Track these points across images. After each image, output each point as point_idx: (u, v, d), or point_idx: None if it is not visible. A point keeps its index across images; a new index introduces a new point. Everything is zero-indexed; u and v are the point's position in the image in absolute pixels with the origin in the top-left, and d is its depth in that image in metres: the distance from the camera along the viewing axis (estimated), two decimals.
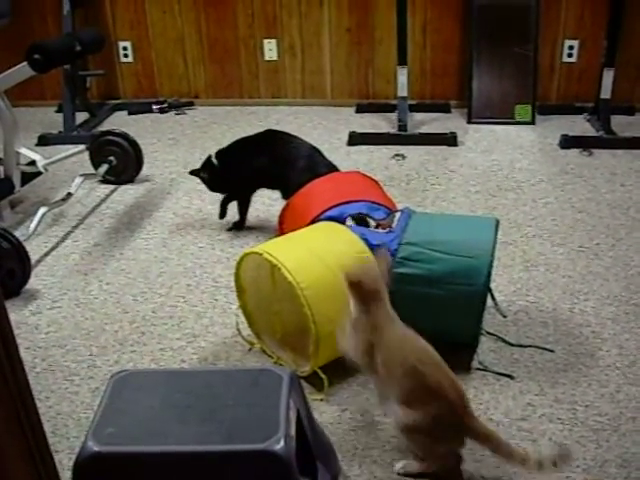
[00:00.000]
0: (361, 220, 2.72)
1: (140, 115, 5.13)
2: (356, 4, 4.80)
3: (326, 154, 3.22)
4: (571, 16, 4.64)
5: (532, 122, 4.57)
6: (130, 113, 5.15)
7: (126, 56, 5.23)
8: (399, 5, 4.31)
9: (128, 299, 2.86)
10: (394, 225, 2.41)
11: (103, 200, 3.78)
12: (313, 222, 2.51)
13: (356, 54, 4.95)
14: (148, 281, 2.98)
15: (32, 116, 5.14)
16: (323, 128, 4.64)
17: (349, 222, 2.49)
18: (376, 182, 2.85)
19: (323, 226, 2.43)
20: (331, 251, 2.24)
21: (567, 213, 3.38)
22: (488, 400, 2.23)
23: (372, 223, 2.63)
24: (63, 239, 3.40)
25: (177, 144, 4.51)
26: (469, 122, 4.63)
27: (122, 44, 5.20)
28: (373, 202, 2.55)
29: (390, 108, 4.70)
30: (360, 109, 4.92)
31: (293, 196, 2.78)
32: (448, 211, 3.39)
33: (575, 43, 4.72)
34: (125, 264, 3.12)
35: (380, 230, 2.44)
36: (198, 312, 2.74)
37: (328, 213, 2.51)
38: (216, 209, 3.43)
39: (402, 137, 4.28)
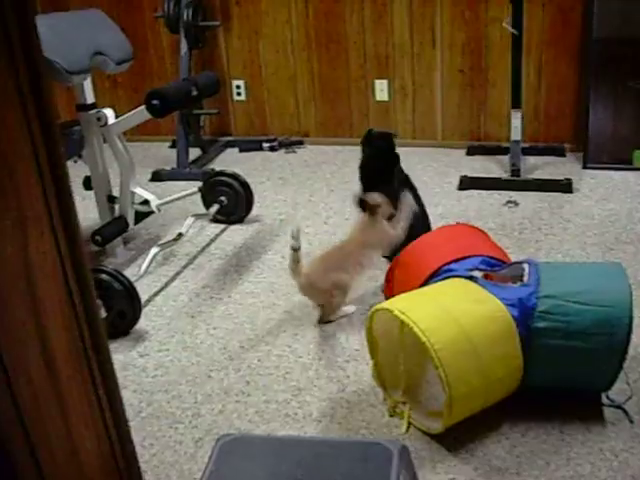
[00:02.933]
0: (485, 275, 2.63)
1: (251, 152, 5.18)
2: (469, 46, 4.74)
3: (437, 198, 3.20)
4: None
5: None
6: (241, 150, 5.22)
7: (239, 94, 5.31)
8: (514, 47, 4.22)
9: (234, 345, 2.86)
10: (525, 277, 2.31)
11: (213, 240, 3.82)
12: (430, 279, 2.45)
13: (468, 96, 4.88)
14: (255, 327, 2.97)
15: (146, 151, 5.28)
16: (433, 171, 4.58)
17: (477, 274, 2.40)
18: (485, 234, 2.77)
19: (451, 282, 2.36)
20: (464, 310, 2.18)
21: None
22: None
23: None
24: (172, 279, 3.44)
25: (286, 184, 4.53)
26: (584, 167, 4.48)
27: (235, 82, 5.29)
28: (488, 256, 2.47)
29: (502, 151, 4.61)
30: (471, 151, 4.84)
31: (402, 253, 2.73)
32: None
33: None
34: (233, 308, 3.13)
35: (511, 284, 2.34)
36: (304, 363, 2.71)
37: (446, 268, 2.44)
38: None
39: (515, 182, 4.17)
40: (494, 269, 2.42)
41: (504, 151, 4.52)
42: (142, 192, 3.56)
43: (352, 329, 2.90)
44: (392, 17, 4.82)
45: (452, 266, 2.43)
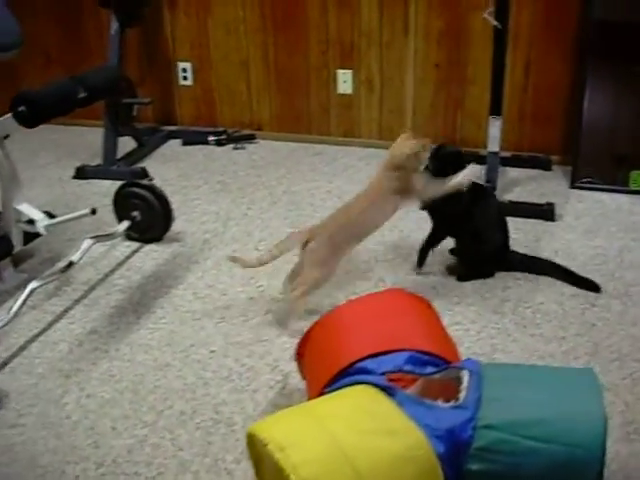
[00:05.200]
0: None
1: (195, 146, 4.52)
2: (447, 36, 4.06)
3: (394, 219, 2.77)
4: None
5: None
6: (184, 143, 4.57)
7: (185, 79, 4.66)
8: (496, 43, 3.54)
9: (105, 425, 2.25)
10: (462, 394, 1.67)
11: (120, 264, 3.19)
12: (338, 378, 1.81)
13: (444, 93, 4.21)
14: (136, 399, 2.36)
15: (81, 138, 4.66)
16: None
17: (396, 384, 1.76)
18: (429, 308, 2.12)
19: (359, 396, 1.71)
20: (370, 448, 1.54)
21: None
22: None
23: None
24: (58, 318, 2.83)
25: (224, 190, 3.89)
26: (572, 186, 3.83)
27: (181, 65, 4.63)
28: (421, 351, 1.83)
29: (479, 159, 3.92)
30: None
31: (320, 321, 2.09)
32: (532, 326, 2.64)
33: None
34: (117, 367, 2.51)
35: (442, 403, 1.70)
36: (183, 461, 2.10)
37: (360, 366, 1.80)
38: (246, 292, 2.90)
39: None
40: (425, 372, 1.78)
41: (481, 160, 3.84)
42: (28, 210, 2.92)
43: (251, 415, 2.27)
44: None
45: (369, 364, 1.79)
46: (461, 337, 2.57)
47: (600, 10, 3.70)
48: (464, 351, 2.46)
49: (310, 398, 1.96)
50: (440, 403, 1.68)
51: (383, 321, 1.97)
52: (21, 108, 2.43)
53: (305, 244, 2.59)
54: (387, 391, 1.67)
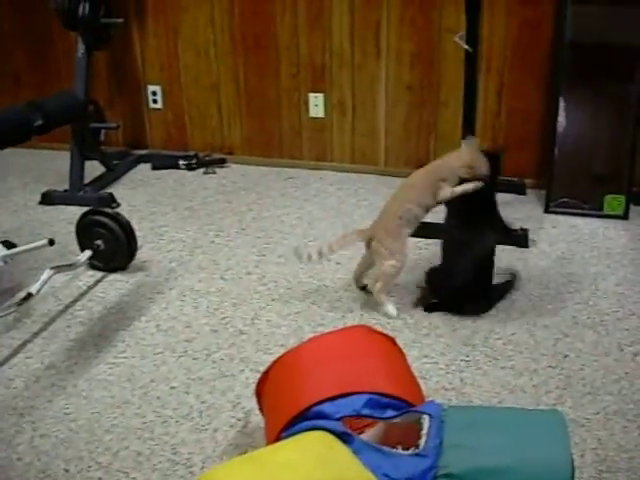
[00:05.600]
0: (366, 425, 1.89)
1: (165, 171, 4.44)
2: (419, 58, 4.02)
3: (360, 246, 2.83)
4: None
5: (625, 217, 3.69)
6: (154, 168, 4.49)
7: (155, 102, 4.58)
8: (467, 67, 3.48)
9: (58, 468, 2.16)
10: (422, 441, 1.59)
11: (83, 294, 3.10)
12: (294, 422, 1.72)
13: (416, 116, 4.15)
14: (92, 439, 2.26)
15: (50, 162, 4.58)
16: (368, 207, 3.86)
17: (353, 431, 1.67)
18: (393, 346, 2.04)
19: (314, 444, 1.62)
20: None
21: None
22: None
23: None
24: (16, 352, 2.73)
25: (192, 216, 3.80)
26: (547, 211, 3.77)
27: (151, 88, 4.55)
28: (380, 393, 1.75)
29: None
30: None
31: (279, 360, 2.01)
32: (503, 358, 2.57)
33: None
34: (74, 404, 2.42)
35: (401, 450, 1.62)
36: None
37: (317, 410, 1.72)
38: (210, 325, 2.80)
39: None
40: (384, 415, 1.70)
41: None
42: None
43: (210, 456, 2.18)
44: (331, 20, 4.09)
45: (326, 408, 1.71)
46: (429, 370, 2.49)
47: (572, 32, 3.66)
48: (432, 385, 2.39)
49: (268, 441, 1.87)
50: (399, 450, 1.60)
51: (343, 362, 1.88)
52: None
53: (369, 242, 2.81)
54: (343, 438, 1.59)
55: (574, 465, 1.55)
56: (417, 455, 1.55)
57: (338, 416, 1.66)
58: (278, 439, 1.74)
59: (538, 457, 1.54)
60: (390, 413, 1.73)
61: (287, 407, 1.81)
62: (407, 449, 1.61)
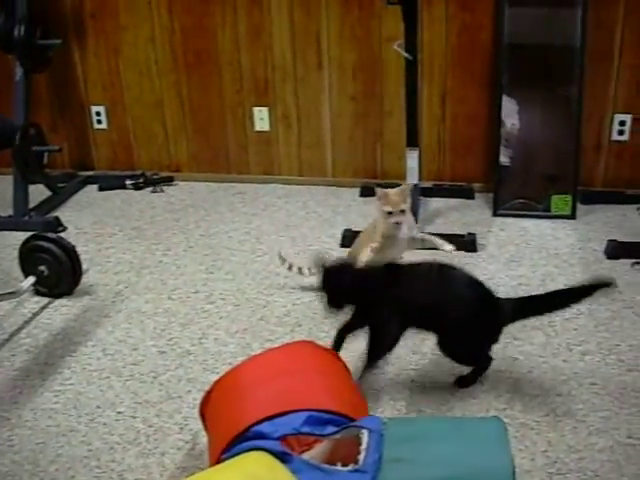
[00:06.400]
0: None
1: (112, 191, 4.39)
2: (361, 69, 4.02)
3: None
4: (623, 86, 3.77)
5: (572, 216, 3.71)
6: (101, 189, 4.43)
7: (99, 122, 4.53)
8: (408, 74, 3.50)
9: None
10: (361, 456, 1.56)
11: (27, 321, 3.03)
12: (234, 443, 1.69)
13: (362, 126, 4.15)
14: (36, 470, 2.21)
15: None
16: (317, 218, 3.84)
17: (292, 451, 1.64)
18: (335, 360, 2.02)
19: (253, 467, 1.59)
20: None
21: (613, 372, 2.51)
22: None
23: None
24: None
25: (140, 237, 3.75)
26: (495, 214, 3.78)
27: (95, 109, 4.49)
28: (321, 410, 1.72)
29: None
30: (365, 192, 4.10)
31: (219, 381, 1.98)
32: (451, 365, 2.54)
33: (627, 118, 3.84)
34: (19, 436, 2.36)
35: (340, 467, 1.59)
36: None
37: (256, 430, 1.69)
38: (157, 346, 2.75)
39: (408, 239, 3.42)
40: (324, 432, 1.67)
41: None
42: None
43: (164, 474, 2.15)
44: (271, 33, 4.07)
45: (265, 427, 1.68)
46: (378, 381, 2.47)
47: (511, 35, 3.70)
48: (382, 396, 2.37)
49: (210, 462, 1.84)
50: (339, 467, 1.57)
51: (283, 379, 1.86)
52: None
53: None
54: (282, 458, 1.56)
55: (515, 472, 1.54)
56: (356, 471, 1.52)
57: (277, 435, 1.64)
58: (219, 461, 1.71)
59: (478, 466, 1.53)
60: (330, 429, 1.70)
61: (227, 428, 1.78)
62: (347, 465, 1.58)
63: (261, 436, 1.66)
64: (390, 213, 2.76)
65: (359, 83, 4.07)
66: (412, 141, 3.58)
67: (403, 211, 2.76)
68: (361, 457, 1.55)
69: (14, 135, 2.78)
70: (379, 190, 2.78)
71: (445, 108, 4.02)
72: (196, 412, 2.27)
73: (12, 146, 3.65)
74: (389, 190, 2.78)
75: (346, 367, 2.07)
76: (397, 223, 2.77)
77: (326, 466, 1.57)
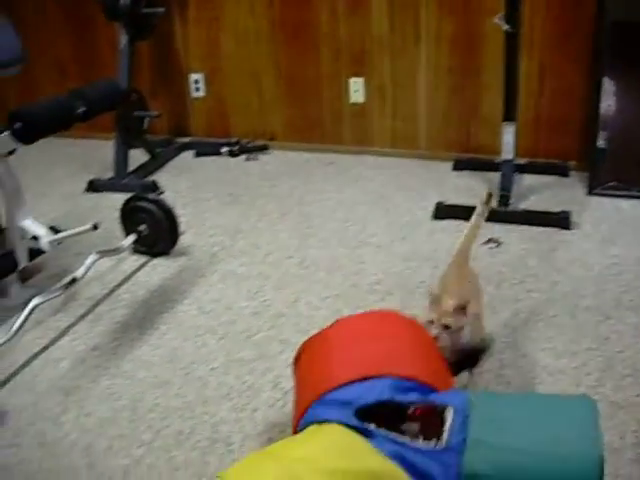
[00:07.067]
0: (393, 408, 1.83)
1: (208, 158, 4.49)
2: (459, 42, 3.99)
3: (405, 231, 2.99)
4: None
5: None
6: (197, 155, 4.54)
7: (197, 90, 4.62)
8: (508, 47, 3.46)
9: (101, 445, 2.20)
10: (445, 435, 1.57)
11: (127, 278, 3.16)
12: (312, 407, 1.73)
13: (457, 99, 4.13)
14: (135, 418, 2.30)
15: (96, 151, 4.65)
16: (409, 190, 3.86)
17: (372, 425, 1.64)
18: (422, 334, 2.02)
19: (333, 439, 1.59)
20: None
21: None
22: None
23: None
24: (62, 334, 2.79)
25: (234, 202, 3.84)
26: (590, 193, 3.72)
27: (194, 77, 4.59)
28: (405, 377, 1.74)
29: (494, 167, 3.86)
30: (458, 166, 4.09)
31: (306, 342, 2.02)
32: (543, 340, 2.54)
33: None
34: (118, 384, 2.47)
35: (423, 444, 1.59)
36: None
37: (339, 395, 1.71)
38: (251, 307, 2.83)
39: (501, 214, 3.43)
40: (407, 401, 1.68)
41: (497, 167, 3.76)
42: (32, 227, 2.89)
43: (249, 434, 2.20)
44: (370, 5, 4.08)
45: (348, 393, 1.69)
46: None
47: (615, 12, 3.60)
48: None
49: (293, 426, 1.87)
50: (421, 443, 1.58)
51: (370, 344, 1.87)
52: (17, 125, 2.40)
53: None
54: (361, 431, 1.58)
55: (604, 457, 1.52)
56: (440, 450, 1.52)
57: (359, 402, 1.64)
58: (297, 426, 1.74)
59: (566, 452, 1.50)
60: (414, 398, 1.70)
61: (309, 391, 1.80)
62: (428, 440, 1.59)
63: (343, 403, 1.66)
64: (431, 322, 2.19)
65: (456, 56, 4.04)
66: (510, 115, 3.55)
67: (447, 327, 2.17)
68: (445, 436, 1.55)
69: (120, 98, 2.87)
70: (434, 293, 2.26)
71: (544, 83, 3.96)
72: (288, 371, 2.34)
73: (117, 109, 3.76)
74: (445, 297, 2.22)
75: (432, 339, 2.08)
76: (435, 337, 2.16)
77: (408, 441, 1.58)
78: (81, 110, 2.58)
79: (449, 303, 2.16)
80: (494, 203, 3.43)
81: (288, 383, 2.34)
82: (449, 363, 2.03)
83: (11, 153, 2.84)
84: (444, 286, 2.35)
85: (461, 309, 2.16)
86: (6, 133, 2.47)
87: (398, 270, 3.05)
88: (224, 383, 2.43)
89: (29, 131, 2.40)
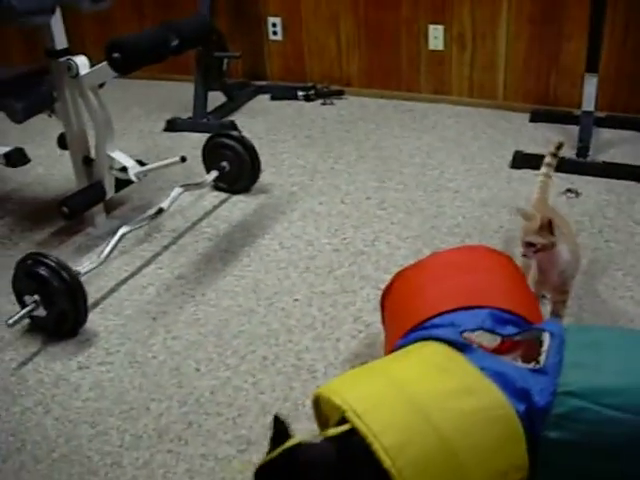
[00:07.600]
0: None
1: (284, 101, 4.54)
2: None
3: (483, 178, 2.97)
4: None
5: None
6: (273, 98, 4.59)
7: (275, 34, 4.65)
8: None
9: (190, 366, 2.30)
10: (542, 358, 1.61)
11: (208, 213, 3.24)
12: (414, 330, 1.78)
13: (538, 50, 4.09)
14: (220, 342, 2.40)
15: (172, 93, 4.73)
16: (487, 139, 3.85)
17: (477, 338, 1.70)
18: (515, 269, 2.06)
19: (433, 354, 1.64)
20: (447, 408, 1.47)
21: None
22: None
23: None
24: (147, 263, 2.89)
25: (312, 145, 3.88)
26: None
27: (272, 20, 4.61)
28: (501, 309, 1.78)
29: (572, 120, 3.83)
30: (535, 117, 4.07)
31: (401, 272, 2.07)
32: (622, 288, 2.55)
33: None
34: (203, 311, 2.56)
35: (522, 364, 1.64)
36: (264, 404, 2.13)
37: (438, 321, 1.76)
38: (332, 244, 2.89)
39: (580, 165, 3.42)
40: (505, 331, 1.73)
41: (575, 120, 3.74)
42: (120, 157, 2.98)
43: (332, 363, 2.28)
44: None
45: (446, 321, 1.73)
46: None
47: None
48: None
49: (386, 352, 1.93)
50: (519, 363, 1.63)
51: (464, 276, 1.91)
52: (115, 55, 2.46)
53: None
54: (462, 348, 1.63)
55: None
56: (537, 371, 1.56)
57: (459, 329, 1.69)
58: (394, 349, 1.78)
59: None
60: (511, 329, 1.74)
61: (406, 318, 1.83)
62: (527, 363, 1.63)
63: (447, 326, 1.71)
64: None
65: (539, 5, 3.99)
66: (592, 66, 3.51)
67: (532, 245, 2.08)
68: (542, 358, 1.59)
69: (210, 33, 2.92)
70: (525, 211, 2.22)
71: (628, 35, 3.89)
72: (370, 306, 2.41)
73: (208, 44, 3.79)
74: (536, 214, 2.17)
75: (522, 273, 2.11)
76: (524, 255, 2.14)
77: (508, 360, 1.63)
78: (175, 43, 2.63)
79: (533, 222, 2.09)
80: (573, 154, 3.42)
81: (370, 317, 2.41)
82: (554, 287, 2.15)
83: (101, 86, 2.93)
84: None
85: (547, 226, 2.06)
86: (104, 63, 2.53)
87: (477, 215, 3.07)
88: (307, 314, 2.50)
89: (126, 61, 2.47)
